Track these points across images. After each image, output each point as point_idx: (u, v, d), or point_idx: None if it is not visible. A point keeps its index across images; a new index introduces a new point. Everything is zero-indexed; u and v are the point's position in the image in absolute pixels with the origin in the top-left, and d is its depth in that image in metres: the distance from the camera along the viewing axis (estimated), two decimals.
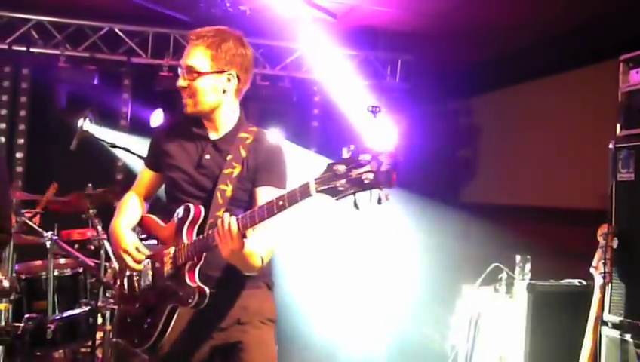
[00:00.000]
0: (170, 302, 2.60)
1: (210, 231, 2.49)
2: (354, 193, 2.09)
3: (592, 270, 3.76)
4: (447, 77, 7.60)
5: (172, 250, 2.61)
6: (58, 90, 6.56)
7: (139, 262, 2.71)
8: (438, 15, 6.08)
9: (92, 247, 5.22)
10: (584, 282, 4.38)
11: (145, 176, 2.94)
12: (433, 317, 6.01)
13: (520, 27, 6.10)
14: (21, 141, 6.66)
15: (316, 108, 7.31)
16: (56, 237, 4.90)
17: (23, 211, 4.85)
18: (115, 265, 2.96)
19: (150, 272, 2.69)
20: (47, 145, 6.36)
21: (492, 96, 7.24)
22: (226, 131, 2.77)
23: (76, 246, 5.23)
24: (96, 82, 6.50)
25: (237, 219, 2.35)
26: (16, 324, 4.49)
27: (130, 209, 2.89)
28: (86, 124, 4.81)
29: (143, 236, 2.85)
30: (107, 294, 5.00)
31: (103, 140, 4.76)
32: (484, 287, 4.88)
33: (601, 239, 3.77)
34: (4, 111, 6.53)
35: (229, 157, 2.70)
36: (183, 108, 2.76)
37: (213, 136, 2.78)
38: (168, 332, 2.63)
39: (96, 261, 5.05)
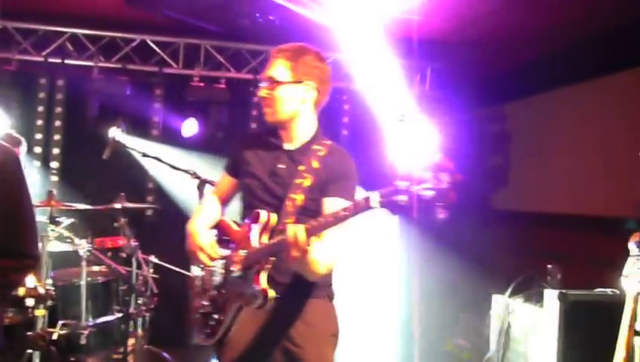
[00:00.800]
0: (237, 301, 2.76)
1: (278, 238, 2.61)
2: (414, 207, 2.24)
3: (622, 279, 3.72)
4: (477, 84, 7.58)
5: (243, 252, 2.76)
6: (91, 100, 6.70)
7: (212, 259, 2.86)
8: (468, 22, 6.08)
9: (124, 255, 5.31)
10: (616, 291, 4.33)
11: (224, 181, 3.12)
12: (463, 326, 5.99)
13: (551, 33, 6.07)
14: (56, 151, 6.83)
15: (346, 117, 7.35)
16: (90, 246, 5.01)
17: (58, 219, 4.95)
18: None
19: (221, 272, 2.86)
20: (81, 155, 6.49)
21: (523, 102, 7.19)
22: (302, 142, 2.91)
23: (109, 254, 5.33)
24: (128, 92, 6.64)
25: (305, 227, 2.46)
26: (51, 330, 4.61)
27: (208, 210, 3.06)
28: (118, 134, 4.89)
29: (222, 238, 2.98)
30: (139, 301, 5.10)
31: (134, 150, 4.85)
32: (515, 296, 4.85)
33: (632, 248, 3.73)
34: (39, 122, 6.69)
35: (301, 167, 2.84)
36: (264, 118, 2.90)
37: (288, 146, 2.92)
38: (233, 330, 2.80)
39: (128, 269, 5.14)
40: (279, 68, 2.84)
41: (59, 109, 6.75)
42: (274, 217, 2.75)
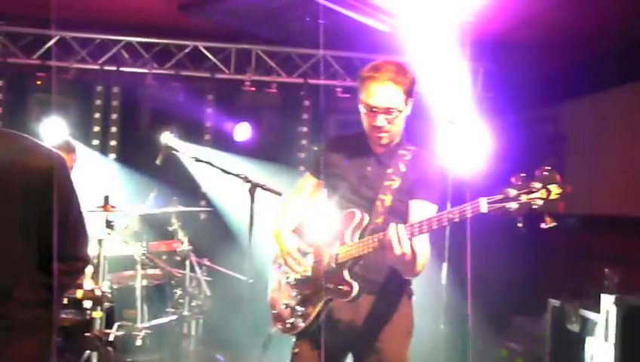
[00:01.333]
0: (326, 294, 2.94)
1: (375, 236, 2.78)
2: (522, 215, 2.41)
3: None
4: (531, 85, 7.46)
5: (334, 248, 2.93)
6: (145, 106, 6.87)
7: (300, 264, 3.06)
8: (522, 23, 6.00)
9: (178, 258, 5.43)
10: None
11: (308, 181, 3.28)
12: (517, 330, 5.90)
13: (605, 32, 5.94)
14: (112, 156, 7.01)
15: None
16: (144, 249, 5.14)
17: (114, 224, 5.07)
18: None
19: (310, 266, 3.04)
20: (135, 160, 6.64)
21: (577, 103, 7.05)
22: (389, 147, 3.07)
23: (163, 257, 5.44)
24: (181, 98, 6.77)
25: (405, 227, 2.65)
26: (108, 331, 4.73)
27: (291, 212, 3.25)
28: (170, 139, 4.99)
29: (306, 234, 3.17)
30: (192, 304, 5.19)
31: (186, 154, 4.94)
32: (571, 300, 4.77)
33: None
34: (96, 128, 6.89)
35: (389, 170, 3.02)
36: (379, 140, 3.03)
37: (376, 150, 3.08)
38: (320, 322, 2.97)
39: (182, 272, 5.25)
40: (394, 97, 2.92)
41: (114, 116, 6.93)
42: (366, 217, 2.93)
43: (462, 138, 5.48)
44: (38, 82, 6.54)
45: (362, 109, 3.00)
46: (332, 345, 2.99)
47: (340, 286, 2.89)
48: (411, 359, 3.09)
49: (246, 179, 4.06)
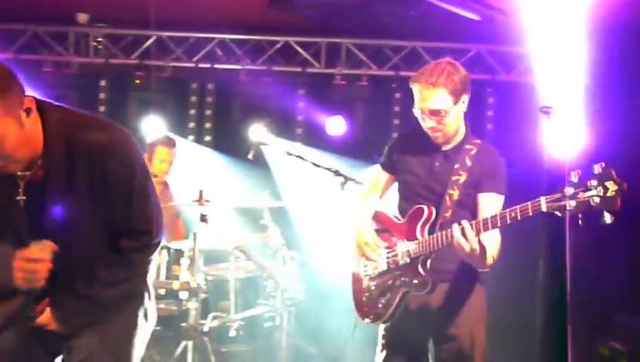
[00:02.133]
0: (403, 287, 3.11)
1: (443, 233, 2.93)
2: (581, 213, 2.52)
3: None
4: (633, 71, 7.11)
5: (407, 243, 3.09)
6: (239, 102, 7.02)
7: (376, 252, 3.24)
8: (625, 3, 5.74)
9: (270, 251, 5.52)
10: None
11: (381, 176, 3.45)
12: (621, 328, 5.67)
13: None
14: (207, 151, 7.19)
15: (490, 110, 7.16)
16: (237, 242, 5.25)
17: (208, 217, 5.20)
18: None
19: (386, 260, 3.20)
20: (229, 155, 6.81)
21: None
22: (455, 143, 3.21)
23: (256, 250, 5.55)
24: (273, 93, 6.87)
25: (472, 224, 2.79)
26: (203, 322, 4.89)
27: (368, 205, 3.42)
28: (261, 134, 5.09)
29: (381, 228, 3.34)
30: (284, 296, 5.26)
31: (278, 149, 5.02)
32: None
33: None
34: (191, 125, 7.08)
35: (456, 165, 3.15)
36: (434, 140, 3.19)
37: (443, 146, 3.21)
38: (400, 312, 3.15)
39: (274, 264, 5.33)
40: (441, 99, 3.05)
41: (208, 112, 7.11)
42: (434, 212, 3.08)
43: (559, 128, 5.31)
44: (137, 81, 6.81)
45: (414, 111, 3.15)
46: (414, 332, 3.21)
47: (415, 281, 3.04)
48: (510, 357, 3.12)
49: (337, 173, 4.11)
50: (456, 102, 3.07)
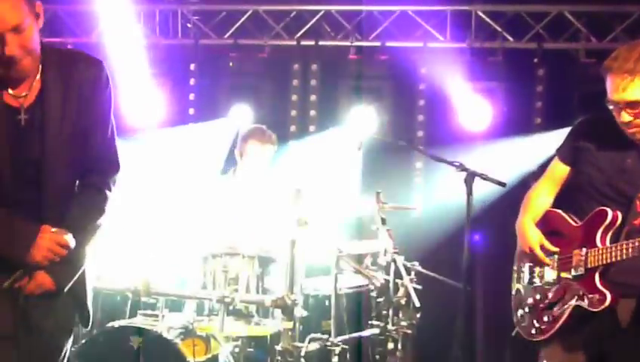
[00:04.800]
0: (575, 301, 3.11)
1: (632, 241, 2.92)
2: None
3: None
4: None
5: (583, 251, 3.12)
6: (348, 85, 6.96)
7: (543, 259, 3.29)
8: None
9: (383, 262, 5.38)
10: None
11: (557, 169, 3.44)
12: None
13: None
14: (311, 144, 7.16)
15: None
16: (342, 251, 5.15)
17: (307, 222, 5.13)
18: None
19: (556, 268, 3.25)
20: (337, 148, 6.71)
21: None
22: None
23: (365, 260, 5.43)
24: (389, 73, 6.76)
25: None
26: (299, 345, 4.82)
27: (537, 203, 3.44)
28: (370, 122, 4.98)
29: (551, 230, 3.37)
30: (399, 316, 5.12)
31: (390, 140, 4.90)
32: None
33: None
34: (293, 113, 7.07)
35: None
36: (631, 136, 3.12)
37: (638, 142, 3.13)
38: (566, 330, 3.16)
39: (387, 277, 5.19)
40: (637, 89, 2.97)
41: (313, 97, 7.06)
42: (620, 217, 3.06)
43: None
44: (231, 64, 6.87)
45: (607, 103, 3.09)
46: (583, 356, 3.18)
47: (590, 295, 3.04)
48: None
49: (461, 167, 4.03)
50: None
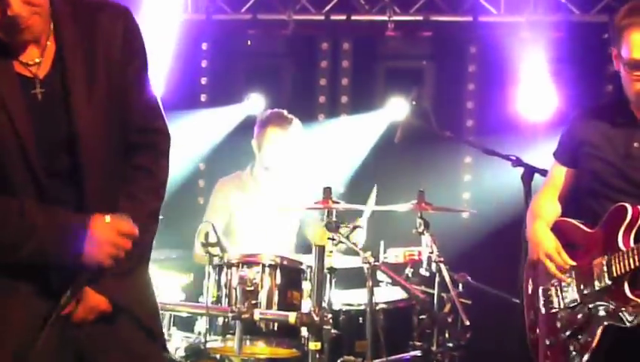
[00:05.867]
0: (604, 320, 3.08)
1: None
2: None
3: None
4: None
5: (605, 258, 3.11)
6: (385, 67, 6.93)
7: (563, 269, 3.27)
8: None
9: (426, 274, 5.35)
10: None
11: (556, 173, 3.53)
12: None
13: None
14: (343, 134, 7.15)
15: None
16: (378, 260, 5.14)
17: (339, 225, 5.11)
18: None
19: (576, 285, 3.24)
20: (372, 139, 6.73)
21: None
22: None
23: (405, 271, 5.42)
24: (431, 53, 6.72)
25: None
26: None
27: (546, 211, 3.49)
28: (413, 109, 4.96)
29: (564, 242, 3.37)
30: (445, 336, 5.10)
31: (436, 131, 4.88)
32: None
33: None
34: (322, 99, 7.06)
35: None
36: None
37: None
38: (601, 356, 3.11)
39: (430, 291, 5.18)
40: None
41: (345, 81, 7.05)
42: None
43: None
44: (248, 42, 6.87)
45: (623, 68, 3.12)
46: None
47: (623, 308, 3.00)
48: None
49: (517, 162, 4.04)
50: None
